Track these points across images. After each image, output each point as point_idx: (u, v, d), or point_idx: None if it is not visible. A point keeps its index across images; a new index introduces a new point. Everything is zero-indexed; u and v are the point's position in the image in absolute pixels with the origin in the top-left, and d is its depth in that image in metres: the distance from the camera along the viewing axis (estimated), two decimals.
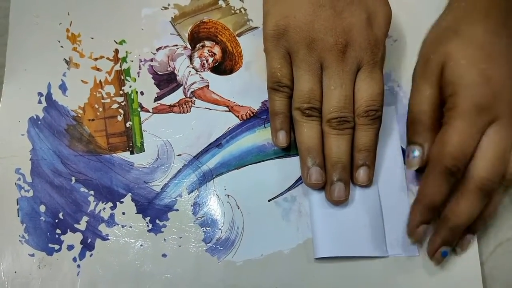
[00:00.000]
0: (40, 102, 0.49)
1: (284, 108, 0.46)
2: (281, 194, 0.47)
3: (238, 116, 0.49)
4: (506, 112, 0.41)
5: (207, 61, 0.51)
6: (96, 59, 0.51)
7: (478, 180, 0.41)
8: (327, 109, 0.44)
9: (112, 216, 0.46)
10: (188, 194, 0.47)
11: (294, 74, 0.45)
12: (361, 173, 0.45)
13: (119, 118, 0.49)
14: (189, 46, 0.51)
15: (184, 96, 0.49)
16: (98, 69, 0.50)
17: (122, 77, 0.50)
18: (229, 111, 0.49)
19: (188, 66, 0.51)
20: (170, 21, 0.52)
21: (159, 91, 0.50)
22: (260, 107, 0.49)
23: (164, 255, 0.45)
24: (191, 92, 0.50)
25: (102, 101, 0.49)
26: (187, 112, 0.49)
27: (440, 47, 0.44)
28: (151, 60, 0.51)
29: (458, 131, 0.41)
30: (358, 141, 0.45)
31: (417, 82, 0.45)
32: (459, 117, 0.41)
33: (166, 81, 0.50)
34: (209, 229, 0.46)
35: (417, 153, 0.44)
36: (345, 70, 0.43)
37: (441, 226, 0.43)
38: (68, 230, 0.45)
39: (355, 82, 0.44)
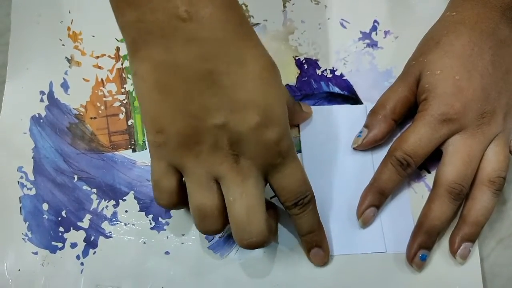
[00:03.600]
0: (42, 100, 0.49)
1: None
2: None
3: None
4: (474, 123, 0.44)
5: None
6: (97, 57, 0.51)
7: (445, 184, 0.43)
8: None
9: (115, 214, 0.46)
10: None
11: (186, 185, 0.38)
12: (314, 254, 0.44)
13: (121, 116, 0.49)
14: None
15: None
16: (99, 67, 0.50)
17: (124, 75, 0.50)
18: None
19: None
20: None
21: None
22: None
23: (167, 253, 0.45)
24: None
25: (104, 99, 0.49)
26: None
27: (421, 56, 0.47)
28: None
29: (418, 133, 0.44)
30: (299, 227, 0.43)
31: (393, 83, 0.49)
32: (424, 121, 0.44)
33: None
34: None
35: (361, 134, 0.48)
36: (245, 180, 0.37)
37: (416, 231, 0.45)
38: (71, 228, 0.46)
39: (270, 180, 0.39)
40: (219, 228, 0.39)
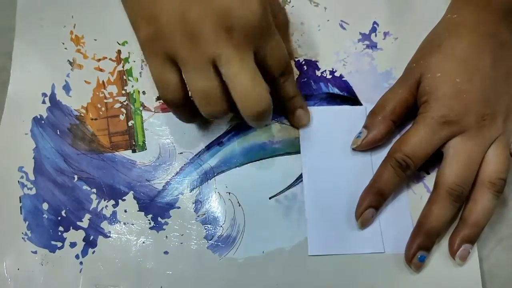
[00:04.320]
0: (44, 102, 0.50)
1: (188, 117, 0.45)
2: (282, 191, 0.47)
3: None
4: (474, 126, 0.44)
5: None
6: (99, 60, 0.51)
7: (446, 185, 0.43)
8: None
9: (114, 213, 0.46)
10: (190, 192, 0.47)
11: (184, 77, 0.40)
12: (298, 114, 0.48)
13: (122, 117, 0.49)
14: None
15: None
16: (101, 70, 0.51)
17: (125, 77, 0.51)
18: None
19: None
20: None
21: None
22: None
23: (166, 252, 0.45)
24: None
25: (105, 100, 0.50)
26: None
27: (422, 58, 0.47)
28: None
29: (418, 135, 0.44)
30: (284, 93, 0.46)
31: (394, 84, 0.49)
32: (424, 123, 0.44)
33: None
34: (211, 227, 0.46)
35: (361, 134, 0.48)
36: (240, 54, 0.38)
37: (416, 232, 0.45)
38: (71, 227, 0.46)
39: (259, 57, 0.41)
40: (224, 107, 0.40)
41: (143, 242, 0.45)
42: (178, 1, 0.37)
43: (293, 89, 0.46)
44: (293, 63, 0.51)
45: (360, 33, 0.52)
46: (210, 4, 0.37)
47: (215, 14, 0.37)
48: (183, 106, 0.42)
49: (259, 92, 0.39)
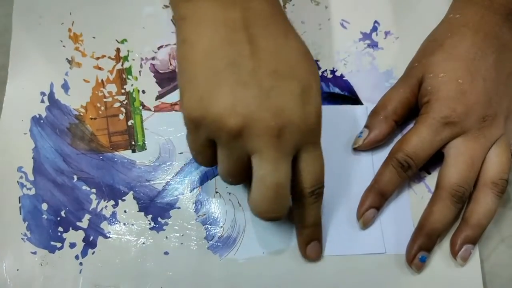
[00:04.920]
0: (42, 101, 0.49)
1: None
2: None
3: None
4: (475, 126, 0.44)
5: None
6: (98, 58, 0.51)
7: (448, 186, 0.44)
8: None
9: (114, 214, 0.46)
10: (190, 192, 0.47)
11: (217, 151, 0.39)
12: (312, 248, 0.44)
13: (121, 116, 0.49)
14: None
15: None
16: (100, 68, 0.51)
17: (124, 76, 0.50)
18: None
19: None
20: (171, 20, 0.52)
21: (160, 89, 0.50)
22: None
23: (166, 253, 0.45)
24: None
25: (104, 100, 0.49)
26: None
27: (424, 58, 0.47)
28: (153, 58, 0.51)
29: (420, 135, 0.44)
30: (306, 218, 0.43)
31: (395, 84, 0.48)
32: (426, 124, 0.44)
33: (168, 79, 0.50)
34: (211, 227, 0.46)
35: (362, 134, 0.48)
36: (280, 157, 0.36)
37: (417, 233, 0.45)
38: (70, 228, 0.45)
39: (294, 163, 0.39)
40: (244, 182, 0.40)
41: (143, 243, 0.45)
42: (230, 91, 0.35)
43: (317, 216, 0.43)
44: None
45: (361, 32, 0.52)
46: (268, 98, 0.35)
47: (271, 109, 0.35)
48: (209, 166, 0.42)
49: (281, 203, 0.38)
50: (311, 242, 0.44)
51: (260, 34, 0.36)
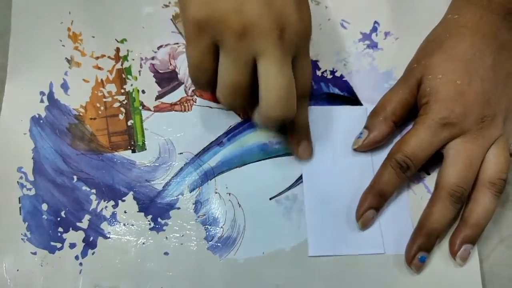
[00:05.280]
0: (42, 101, 0.49)
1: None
2: (282, 192, 0.47)
3: (239, 115, 0.49)
4: (474, 127, 0.44)
5: None
6: (97, 58, 0.51)
7: (447, 187, 0.44)
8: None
9: (114, 214, 0.46)
10: (190, 193, 0.47)
11: (219, 64, 0.40)
12: (303, 147, 0.47)
13: (121, 116, 0.49)
14: None
15: (185, 95, 0.50)
16: (99, 68, 0.50)
17: (124, 76, 0.50)
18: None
19: None
20: (171, 19, 0.52)
21: (160, 89, 0.50)
22: None
23: (166, 253, 0.45)
24: (193, 91, 0.50)
25: (104, 99, 0.49)
26: (188, 110, 0.49)
27: (423, 59, 0.47)
28: (152, 58, 0.51)
29: (419, 136, 0.44)
30: (296, 120, 0.45)
31: (394, 85, 0.49)
32: (425, 125, 0.44)
33: (168, 79, 0.50)
34: (211, 227, 0.46)
35: (362, 135, 0.48)
36: (285, 57, 0.39)
37: (416, 233, 0.45)
38: (70, 228, 0.45)
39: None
40: (245, 103, 0.41)
41: (143, 243, 0.45)
42: None
43: (305, 118, 0.46)
44: None
45: (361, 33, 0.52)
46: (270, 2, 0.37)
47: (272, 12, 0.37)
48: (207, 88, 0.42)
49: (291, 101, 0.40)
50: (302, 141, 0.46)
51: None
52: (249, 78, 0.39)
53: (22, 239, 0.45)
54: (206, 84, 0.41)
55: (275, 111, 0.39)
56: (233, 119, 0.49)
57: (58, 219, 0.46)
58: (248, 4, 0.37)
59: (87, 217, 0.46)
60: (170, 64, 0.51)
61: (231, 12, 0.36)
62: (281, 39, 0.37)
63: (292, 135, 0.47)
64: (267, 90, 0.39)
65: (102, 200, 0.46)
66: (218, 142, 0.48)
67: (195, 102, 0.49)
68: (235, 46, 0.37)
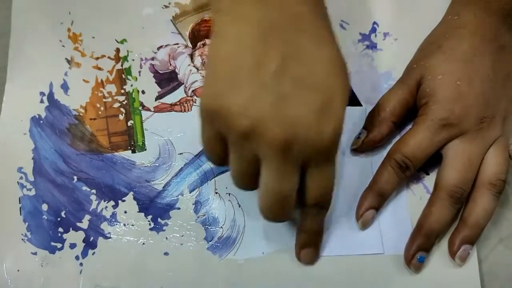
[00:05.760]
0: (42, 101, 0.49)
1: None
2: None
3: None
4: (473, 128, 0.44)
5: None
6: (97, 58, 0.51)
7: (446, 187, 0.44)
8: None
9: (114, 214, 0.46)
10: (190, 193, 0.47)
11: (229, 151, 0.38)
12: (306, 253, 0.45)
13: (121, 117, 0.49)
14: (190, 45, 0.52)
15: (185, 95, 0.50)
16: (99, 68, 0.51)
17: (124, 76, 0.50)
18: None
19: (189, 65, 0.51)
20: (171, 20, 0.52)
21: (160, 90, 0.50)
22: None
23: (166, 253, 0.45)
24: (192, 91, 0.50)
25: (104, 100, 0.49)
26: (188, 110, 0.49)
27: (423, 59, 0.47)
28: (152, 59, 0.51)
29: (418, 137, 0.44)
30: (305, 224, 0.43)
31: (393, 85, 0.49)
32: (424, 125, 0.44)
33: (167, 80, 0.50)
34: (211, 228, 0.46)
35: (361, 135, 0.48)
36: (285, 168, 0.36)
37: (415, 233, 0.45)
38: (71, 228, 0.46)
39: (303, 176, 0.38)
40: (249, 188, 0.39)
41: (143, 243, 0.45)
42: (250, 92, 0.34)
43: (317, 225, 0.43)
44: None
45: (360, 34, 0.52)
46: (285, 105, 0.34)
47: (283, 118, 0.34)
48: (221, 165, 0.41)
49: (283, 209, 0.38)
50: (306, 247, 0.44)
51: (293, 38, 0.34)
52: (256, 171, 0.37)
53: (22, 239, 0.45)
54: (218, 164, 0.40)
55: (266, 213, 0.39)
56: None
57: (58, 219, 0.46)
58: (259, 103, 0.33)
59: (87, 217, 0.46)
60: (170, 64, 0.51)
61: (239, 110, 0.34)
62: (285, 152, 0.34)
63: (299, 237, 0.44)
64: (261, 193, 0.37)
65: (102, 200, 0.46)
66: None
67: (195, 102, 0.49)
68: (239, 145, 0.36)
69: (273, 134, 0.34)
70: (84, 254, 0.45)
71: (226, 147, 0.37)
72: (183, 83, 0.50)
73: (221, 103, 0.34)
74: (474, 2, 0.47)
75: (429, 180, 0.47)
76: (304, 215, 0.42)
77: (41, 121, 0.48)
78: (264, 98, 0.33)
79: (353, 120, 0.49)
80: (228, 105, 0.34)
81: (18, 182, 0.47)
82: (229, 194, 0.47)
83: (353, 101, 0.50)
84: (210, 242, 0.45)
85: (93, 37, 0.52)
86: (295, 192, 0.37)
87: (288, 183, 0.36)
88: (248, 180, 0.38)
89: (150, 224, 0.46)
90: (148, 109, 0.49)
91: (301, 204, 0.40)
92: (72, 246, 0.45)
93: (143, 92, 0.50)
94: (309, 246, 0.44)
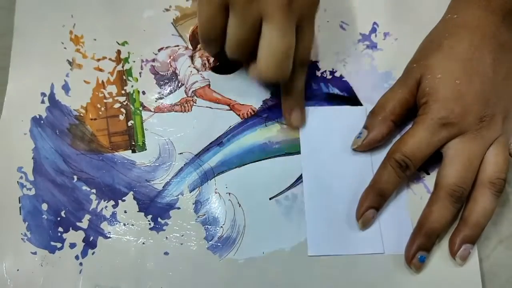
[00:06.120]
0: (43, 102, 0.49)
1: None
2: (282, 192, 0.47)
3: (239, 115, 0.49)
4: (473, 127, 0.44)
5: (208, 61, 0.51)
6: (98, 60, 0.51)
7: (447, 187, 0.44)
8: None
9: (114, 214, 0.46)
10: (190, 193, 0.47)
11: (229, 21, 0.42)
12: (295, 115, 0.48)
13: (121, 117, 0.49)
14: (190, 47, 0.52)
15: (185, 96, 0.50)
16: (100, 70, 0.51)
17: (124, 77, 0.51)
18: (230, 109, 0.49)
19: (189, 66, 0.51)
20: (172, 23, 0.53)
21: (160, 90, 0.50)
22: (261, 105, 0.49)
23: (166, 253, 0.45)
24: (193, 92, 0.50)
25: (104, 100, 0.50)
26: (188, 111, 0.49)
27: (422, 59, 0.47)
28: (153, 60, 0.51)
29: (418, 136, 0.44)
30: (291, 86, 0.47)
31: (393, 84, 0.49)
32: (424, 125, 0.44)
33: (168, 81, 0.50)
34: (211, 227, 0.46)
35: (361, 135, 0.48)
36: (288, 24, 0.40)
37: (416, 233, 0.45)
38: (70, 228, 0.46)
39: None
40: (248, 56, 0.43)
41: (143, 243, 0.45)
42: None
43: (301, 85, 0.47)
44: None
45: (360, 34, 0.52)
46: None
47: None
48: (215, 45, 0.44)
49: (285, 66, 0.42)
50: (294, 108, 0.47)
51: None
52: (255, 36, 0.41)
53: (22, 239, 0.45)
54: (214, 40, 0.43)
55: (269, 72, 0.42)
56: (233, 120, 0.49)
57: (58, 219, 0.46)
58: None
59: (87, 217, 0.46)
60: (171, 66, 0.51)
61: None
62: (288, 6, 0.39)
63: (285, 102, 0.48)
64: (265, 52, 0.41)
65: (102, 200, 0.46)
66: (218, 142, 0.48)
67: (195, 103, 0.50)
68: (243, 8, 0.39)
69: None
70: (84, 253, 0.45)
71: (226, 19, 0.41)
72: (183, 84, 0.50)
73: None
74: (474, 1, 0.47)
75: (430, 179, 0.47)
76: (290, 77, 0.44)
77: (42, 121, 0.49)
78: None
79: (354, 120, 0.49)
80: None
81: (18, 181, 0.47)
82: (229, 193, 0.47)
83: (353, 100, 0.50)
84: (210, 242, 0.45)
85: (95, 39, 0.52)
86: (293, 49, 0.41)
87: (290, 39, 0.41)
88: (246, 45, 0.42)
89: (150, 224, 0.46)
90: (149, 110, 0.49)
91: None
92: (72, 245, 0.45)
93: (143, 92, 0.50)
94: (296, 107, 0.48)
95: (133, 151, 0.48)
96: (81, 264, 0.45)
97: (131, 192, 0.47)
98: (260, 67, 0.42)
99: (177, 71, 0.51)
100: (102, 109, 0.49)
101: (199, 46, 0.52)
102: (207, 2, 0.41)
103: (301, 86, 0.47)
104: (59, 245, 0.45)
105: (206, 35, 0.43)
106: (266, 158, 0.48)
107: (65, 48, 0.52)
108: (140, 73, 0.51)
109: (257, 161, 0.48)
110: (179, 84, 0.50)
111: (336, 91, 0.50)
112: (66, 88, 0.50)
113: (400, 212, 0.46)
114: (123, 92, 0.50)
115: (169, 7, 0.53)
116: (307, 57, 0.46)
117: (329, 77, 0.51)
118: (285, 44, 0.41)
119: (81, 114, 0.49)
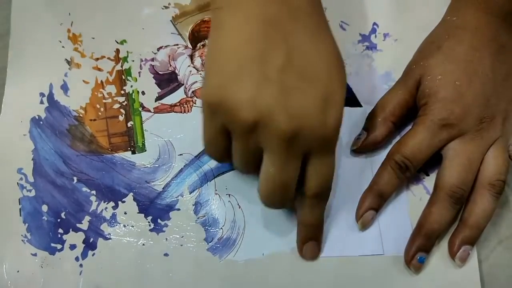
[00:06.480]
0: (42, 102, 0.49)
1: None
2: None
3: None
4: (473, 128, 0.44)
5: None
6: (97, 59, 0.51)
7: (446, 188, 0.44)
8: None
9: (114, 215, 0.46)
10: (190, 194, 0.47)
11: (232, 143, 0.39)
12: (308, 247, 0.45)
13: (121, 118, 0.49)
14: (190, 46, 0.52)
15: (185, 96, 0.50)
16: (99, 69, 0.51)
17: (123, 77, 0.50)
18: None
19: (189, 66, 0.51)
20: (171, 21, 0.52)
21: (160, 90, 0.50)
22: None
23: (166, 254, 0.45)
24: (192, 92, 0.50)
25: (104, 101, 0.49)
26: (188, 111, 0.49)
27: (422, 60, 0.47)
28: (152, 59, 0.51)
29: (418, 137, 0.44)
30: (306, 217, 0.43)
31: (393, 86, 0.49)
32: (424, 126, 0.44)
33: (167, 80, 0.50)
34: (211, 229, 0.46)
35: (361, 136, 0.48)
36: (288, 158, 0.37)
37: (415, 234, 0.45)
38: (70, 229, 0.46)
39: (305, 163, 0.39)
40: (253, 173, 0.41)
41: (143, 244, 0.45)
42: (253, 85, 0.34)
43: (317, 217, 0.43)
44: None
45: (360, 34, 0.52)
46: (290, 97, 0.35)
47: (289, 110, 0.35)
48: (221, 162, 0.44)
49: (282, 198, 0.39)
50: (308, 241, 0.44)
51: (294, 32, 0.36)
52: (256, 162, 0.38)
53: (22, 240, 0.45)
54: (220, 159, 0.41)
55: (266, 201, 0.40)
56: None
57: (58, 220, 0.46)
58: (264, 94, 0.34)
59: (87, 218, 0.46)
60: (170, 65, 0.51)
61: (244, 102, 0.34)
62: (290, 142, 0.35)
63: (300, 231, 0.45)
64: (262, 181, 0.39)
65: (102, 201, 0.46)
66: None
67: (195, 103, 0.49)
68: (243, 137, 0.36)
69: (279, 126, 0.35)
70: (84, 255, 0.45)
71: (229, 141, 0.38)
72: (183, 84, 0.50)
73: (225, 95, 0.35)
74: (474, 2, 0.47)
75: (429, 181, 0.47)
76: (303, 208, 0.42)
77: (41, 122, 0.48)
78: (269, 90, 0.34)
79: (353, 121, 0.49)
80: (233, 97, 0.35)
81: (18, 183, 0.47)
82: (229, 195, 0.47)
83: (353, 101, 0.50)
84: (210, 243, 0.45)
85: (93, 38, 0.52)
86: (296, 180, 0.39)
87: (290, 172, 0.38)
88: (252, 168, 0.40)
89: (150, 225, 0.46)
90: (148, 110, 0.49)
91: (300, 195, 0.41)
92: (72, 247, 0.45)
93: (143, 93, 0.50)
94: (310, 240, 0.44)
95: (133, 152, 0.48)
96: (81, 265, 0.45)
97: (131, 194, 0.47)
98: (259, 192, 0.40)
99: (176, 71, 0.51)
100: (102, 109, 0.49)
101: (199, 45, 0.52)
102: (208, 125, 0.38)
103: (316, 219, 0.43)
104: (59, 246, 0.45)
105: (209, 154, 0.41)
106: None
107: (63, 47, 0.51)
108: (139, 72, 0.50)
109: None
110: (179, 84, 0.50)
111: None
112: (65, 88, 0.50)
113: (400, 213, 0.46)
114: (122, 92, 0.50)
115: (168, 4, 0.53)
116: (320, 190, 0.40)
117: None
118: (282, 178, 0.37)
119: (81, 115, 0.49)
